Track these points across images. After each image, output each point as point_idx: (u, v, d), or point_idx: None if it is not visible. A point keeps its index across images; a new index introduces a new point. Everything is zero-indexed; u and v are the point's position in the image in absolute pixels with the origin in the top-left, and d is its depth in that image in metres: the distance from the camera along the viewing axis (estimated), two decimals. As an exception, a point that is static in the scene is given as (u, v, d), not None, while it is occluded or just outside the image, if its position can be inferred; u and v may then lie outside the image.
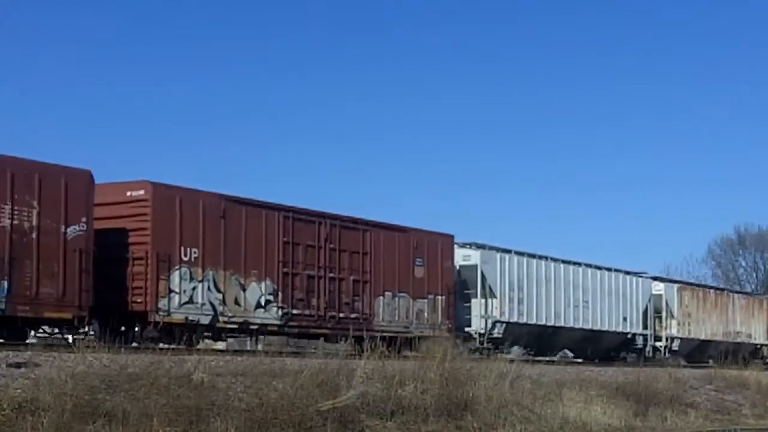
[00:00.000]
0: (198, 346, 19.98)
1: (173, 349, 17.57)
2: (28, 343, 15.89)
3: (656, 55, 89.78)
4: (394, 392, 16.90)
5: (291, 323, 22.48)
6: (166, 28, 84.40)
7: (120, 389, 13.78)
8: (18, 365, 14.18)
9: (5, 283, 17.15)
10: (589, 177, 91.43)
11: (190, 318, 20.33)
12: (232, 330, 21.64)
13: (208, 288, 20.70)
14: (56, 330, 18.88)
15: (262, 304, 21.83)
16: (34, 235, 17.64)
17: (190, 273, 20.36)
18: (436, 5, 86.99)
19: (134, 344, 18.97)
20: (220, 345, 23.29)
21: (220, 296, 20.92)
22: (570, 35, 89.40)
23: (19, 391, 12.93)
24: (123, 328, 19.48)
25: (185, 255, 20.27)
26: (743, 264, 72.81)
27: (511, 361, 20.65)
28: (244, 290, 21.49)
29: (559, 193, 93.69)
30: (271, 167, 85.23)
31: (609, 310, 33.40)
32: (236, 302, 21.27)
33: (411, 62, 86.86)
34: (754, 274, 71.97)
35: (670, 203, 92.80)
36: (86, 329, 18.88)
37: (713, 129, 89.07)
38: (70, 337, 19.32)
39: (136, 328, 19.83)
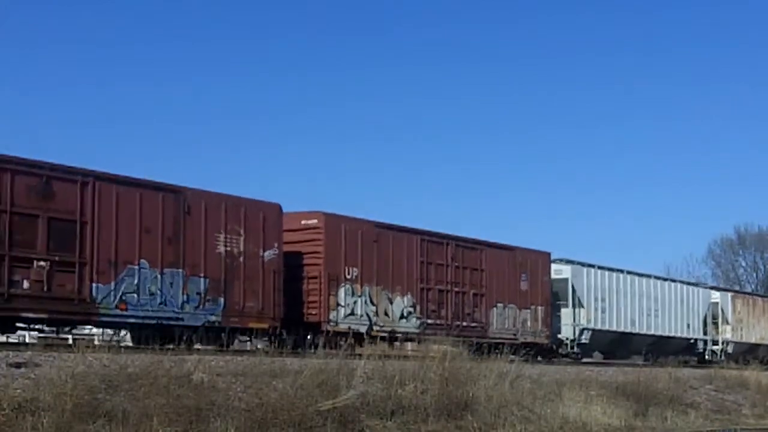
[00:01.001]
0: (358, 351, 21.81)
1: (172, 349, 17.60)
2: (28, 343, 15.90)
3: (656, 55, 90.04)
4: (394, 392, 16.90)
5: (426, 331, 25.33)
6: (166, 28, 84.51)
7: (120, 389, 13.78)
8: (18, 365, 14.19)
9: (222, 300, 20.66)
10: (589, 177, 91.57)
11: (352, 327, 23.63)
12: (382, 338, 24.43)
13: (365, 302, 24.32)
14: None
15: (405, 315, 25.46)
16: (241, 259, 21.18)
17: (352, 289, 23.97)
18: (436, 5, 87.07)
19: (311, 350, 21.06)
20: None
21: (374, 308, 24.55)
22: (570, 35, 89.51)
23: (19, 391, 12.93)
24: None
25: (348, 274, 23.88)
26: (743, 264, 72.91)
27: (511, 361, 20.65)
28: (391, 303, 25.14)
29: (559, 193, 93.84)
30: (271, 167, 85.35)
31: (675, 317, 36.85)
32: (386, 313, 24.93)
33: (411, 62, 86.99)
34: (754, 274, 72.05)
35: (670, 203, 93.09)
36: (282, 337, 21.49)
37: (713, 129, 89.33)
38: (70, 338, 19.54)
39: (308, 336, 22.98)
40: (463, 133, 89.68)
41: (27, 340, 20.36)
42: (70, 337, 22.37)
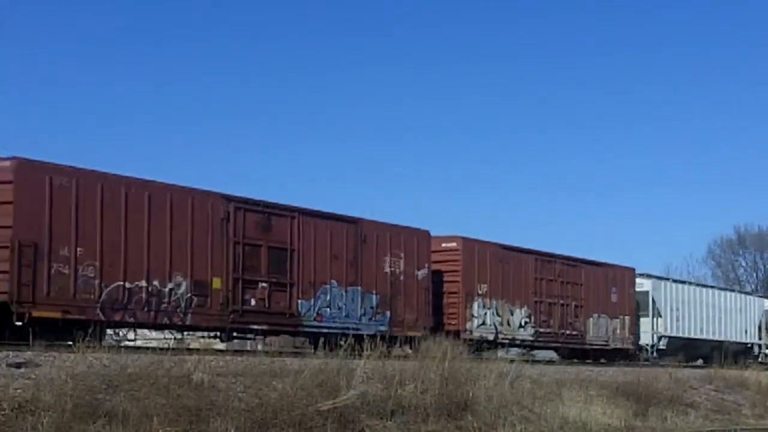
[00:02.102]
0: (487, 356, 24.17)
1: (173, 349, 17.61)
2: (28, 343, 15.89)
3: (656, 55, 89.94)
4: (394, 392, 16.89)
5: (539, 339, 29.98)
6: (166, 28, 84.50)
7: (120, 389, 13.78)
8: (18, 365, 14.19)
9: (388, 312, 24.57)
10: (589, 177, 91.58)
11: (483, 335, 27.82)
12: (503, 344, 28.94)
13: (493, 313, 28.23)
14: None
15: (522, 324, 29.30)
16: (401, 278, 25.07)
17: (483, 303, 27.90)
18: (436, 5, 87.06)
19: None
20: (221, 345, 23.51)
21: (499, 319, 28.41)
22: (570, 35, 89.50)
23: (19, 391, 12.92)
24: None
25: (480, 290, 27.78)
26: (743, 264, 72.97)
27: (511, 361, 20.67)
28: (512, 314, 28.96)
29: (559, 193, 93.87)
30: (271, 167, 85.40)
31: (734, 324, 40.66)
32: (508, 323, 28.78)
33: (411, 62, 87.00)
34: (754, 274, 72.10)
35: (670, 203, 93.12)
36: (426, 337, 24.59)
37: (713, 129, 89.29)
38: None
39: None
40: (463, 133, 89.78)
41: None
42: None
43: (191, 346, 21.99)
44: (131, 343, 19.70)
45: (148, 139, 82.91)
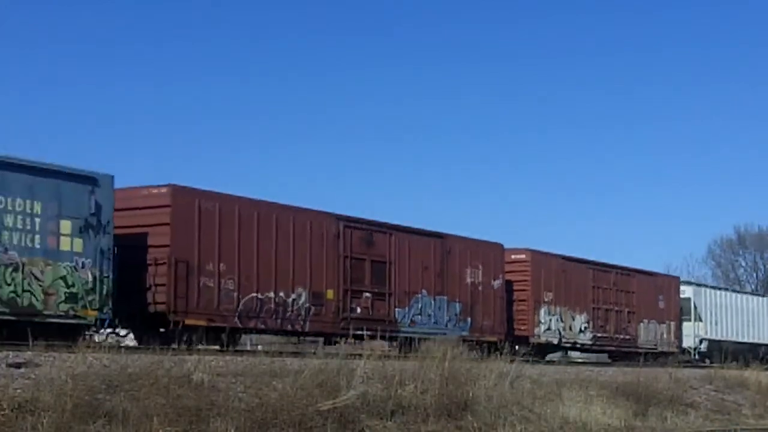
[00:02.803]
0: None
1: (173, 349, 17.64)
2: (28, 343, 15.88)
3: (656, 55, 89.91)
4: (394, 392, 16.89)
5: (597, 343, 32.60)
6: (166, 28, 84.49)
7: (120, 389, 13.77)
8: (18, 365, 14.18)
9: (469, 319, 27.04)
10: (588, 177, 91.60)
11: (549, 340, 30.32)
12: (564, 348, 31.88)
13: (557, 319, 30.63)
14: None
15: (582, 329, 31.78)
16: (480, 288, 27.51)
17: (549, 310, 30.36)
18: (436, 5, 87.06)
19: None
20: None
21: (562, 325, 30.87)
22: (570, 35, 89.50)
23: (19, 391, 12.92)
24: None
25: (546, 297, 30.24)
26: (743, 264, 72.96)
27: (511, 361, 20.68)
28: (573, 320, 31.44)
29: (559, 193, 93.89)
30: (271, 167, 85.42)
31: (765, 327, 42.72)
32: (570, 329, 31.25)
33: (411, 62, 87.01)
34: (754, 274, 72.08)
35: (670, 203, 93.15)
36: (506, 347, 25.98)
37: (713, 129, 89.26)
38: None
39: (516, 347, 27.79)
40: (463, 133, 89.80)
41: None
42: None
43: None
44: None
45: (148, 139, 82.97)
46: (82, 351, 15.01)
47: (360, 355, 18.17)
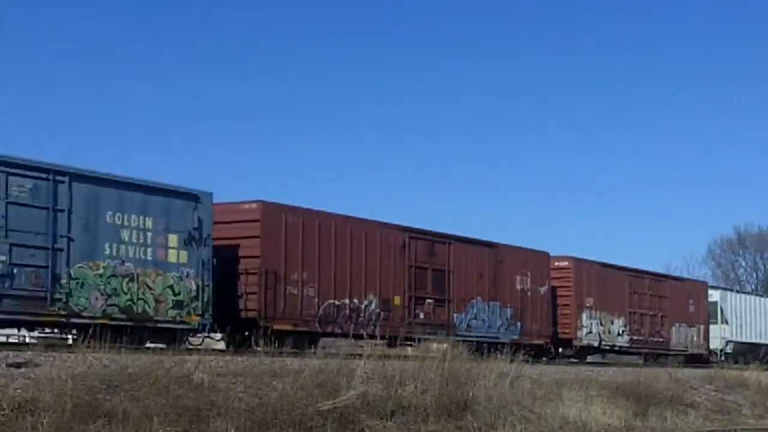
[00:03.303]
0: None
1: (173, 349, 17.67)
2: (28, 343, 15.93)
3: (656, 55, 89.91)
4: (394, 392, 16.89)
5: (633, 345, 34.27)
6: (166, 28, 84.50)
7: (120, 389, 13.77)
8: (18, 365, 14.19)
9: (519, 324, 28.73)
10: (588, 177, 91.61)
11: (590, 342, 32.14)
12: (603, 350, 33.41)
13: (597, 323, 32.43)
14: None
15: (620, 332, 33.56)
16: (528, 294, 29.26)
17: (590, 314, 32.14)
18: (436, 5, 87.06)
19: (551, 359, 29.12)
20: (221, 345, 23.60)
21: (602, 328, 32.67)
22: (570, 35, 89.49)
23: (19, 391, 12.92)
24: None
25: (587, 303, 32.10)
26: (743, 264, 72.95)
27: (511, 361, 20.68)
28: (612, 324, 33.16)
29: (559, 193, 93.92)
30: (271, 167, 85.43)
31: None
32: (609, 332, 33.03)
33: (411, 62, 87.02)
34: (754, 274, 72.08)
35: (670, 203, 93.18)
36: (552, 350, 30.29)
37: (713, 129, 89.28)
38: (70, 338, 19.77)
39: (560, 349, 31.54)
40: (463, 133, 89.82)
41: (27, 340, 20.45)
42: (70, 337, 22.39)
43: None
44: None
45: (148, 139, 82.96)
46: (82, 351, 15.01)
47: (360, 355, 18.17)
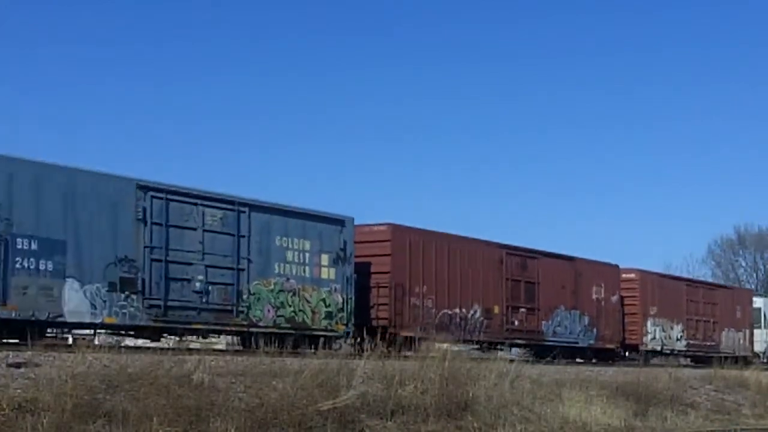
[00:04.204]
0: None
1: (173, 349, 17.68)
2: (27, 343, 15.94)
3: (656, 55, 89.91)
4: (394, 392, 16.89)
5: (690, 349, 37.55)
6: (166, 28, 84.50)
7: (120, 389, 13.77)
8: (18, 365, 14.18)
9: (595, 330, 31.98)
10: (588, 177, 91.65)
11: (654, 347, 35.35)
12: (665, 354, 36.19)
13: (660, 329, 35.63)
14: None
15: (678, 338, 36.71)
16: (602, 303, 32.49)
17: (653, 321, 35.35)
18: (436, 5, 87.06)
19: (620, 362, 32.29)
20: (221, 345, 23.74)
21: (664, 334, 35.92)
22: (570, 35, 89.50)
23: (19, 391, 12.91)
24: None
25: (651, 311, 35.26)
26: (743, 264, 72.98)
27: (511, 361, 20.69)
28: (672, 330, 36.38)
29: (560, 193, 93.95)
30: (271, 167, 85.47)
31: None
32: (669, 337, 36.18)
33: (411, 62, 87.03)
34: (754, 274, 72.08)
35: (670, 203, 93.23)
36: (622, 353, 34.30)
37: (713, 129, 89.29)
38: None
39: (626, 353, 34.92)
40: (463, 133, 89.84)
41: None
42: (70, 337, 22.43)
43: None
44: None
45: (148, 139, 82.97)
46: (81, 351, 15.00)
47: (360, 355, 18.18)
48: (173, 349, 17.85)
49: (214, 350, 19.86)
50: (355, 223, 24.16)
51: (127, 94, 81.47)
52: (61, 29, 79.30)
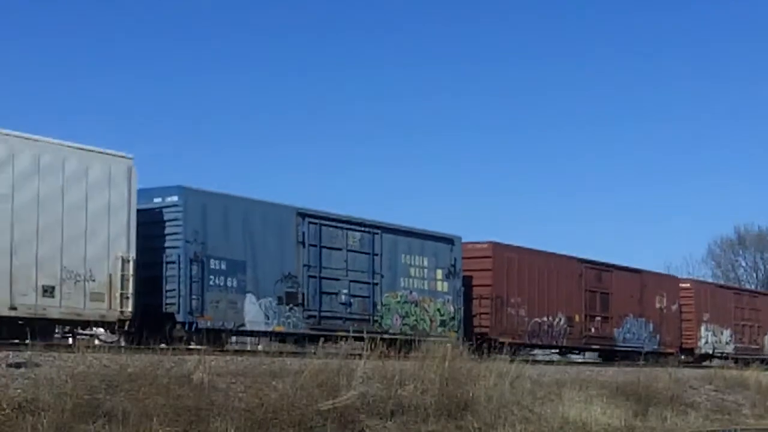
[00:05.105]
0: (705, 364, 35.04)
1: (173, 349, 17.64)
2: (28, 343, 15.94)
3: (656, 55, 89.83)
4: (394, 392, 16.90)
5: (737, 352, 39.37)
6: (166, 28, 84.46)
7: (120, 389, 13.77)
8: (18, 365, 14.17)
9: (658, 336, 34.98)
10: (589, 177, 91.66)
11: (706, 351, 38.07)
12: (716, 357, 38.34)
13: (712, 334, 38.43)
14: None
15: (728, 341, 39.40)
16: (664, 311, 35.38)
17: (707, 326, 38.13)
18: (436, 5, 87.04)
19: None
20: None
21: (715, 338, 38.69)
22: (570, 35, 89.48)
23: (19, 391, 12.92)
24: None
25: (704, 317, 37.96)
26: (743, 264, 72.85)
27: (511, 361, 20.68)
28: (722, 334, 39.09)
29: (560, 193, 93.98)
30: (271, 167, 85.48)
31: None
32: (720, 341, 38.90)
33: (412, 62, 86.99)
34: (754, 274, 71.98)
35: (670, 203, 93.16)
36: (680, 357, 36.17)
37: (713, 129, 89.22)
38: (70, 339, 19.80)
39: (682, 356, 36.41)
40: (463, 133, 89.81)
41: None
42: (69, 337, 22.38)
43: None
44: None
45: (148, 139, 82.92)
46: (81, 351, 15.01)
47: (360, 355, 18.18)
48: (173, 348, 17.82)
49: (215, 350, 19.79)
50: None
51: (126, 93, 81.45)
52: (61, 29, 79.28)
